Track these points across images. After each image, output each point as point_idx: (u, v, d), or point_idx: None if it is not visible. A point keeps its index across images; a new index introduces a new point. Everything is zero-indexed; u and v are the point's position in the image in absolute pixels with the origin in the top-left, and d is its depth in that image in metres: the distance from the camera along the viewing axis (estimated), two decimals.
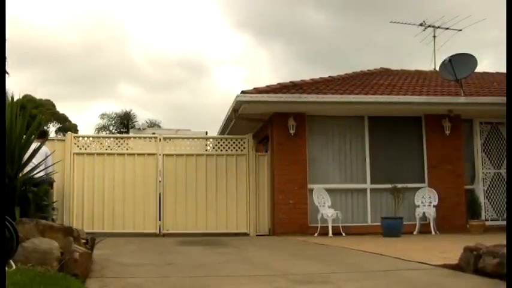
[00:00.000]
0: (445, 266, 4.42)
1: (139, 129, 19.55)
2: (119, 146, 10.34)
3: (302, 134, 10.30)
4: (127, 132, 27.51)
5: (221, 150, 10.47)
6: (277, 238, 9.42)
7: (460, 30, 14.50)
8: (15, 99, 4.83)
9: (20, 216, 4.20)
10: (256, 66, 57.24)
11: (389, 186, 9.85)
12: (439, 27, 14.55)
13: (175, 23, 60.65)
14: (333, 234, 9.45)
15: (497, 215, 10.77)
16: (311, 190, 10.07)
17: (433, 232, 9.64)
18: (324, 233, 9.54)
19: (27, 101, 21.37)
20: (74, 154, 9.95)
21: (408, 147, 10.80)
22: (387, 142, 10.68)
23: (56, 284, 2.94)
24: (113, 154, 10.14)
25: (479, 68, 11.51)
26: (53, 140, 10.16)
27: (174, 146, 10.47)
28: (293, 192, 10.04)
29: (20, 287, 2.70)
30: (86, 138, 10.49)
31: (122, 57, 52.94)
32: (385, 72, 13.29)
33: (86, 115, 52.97)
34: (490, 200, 10.84)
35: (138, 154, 10.22)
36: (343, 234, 9.57)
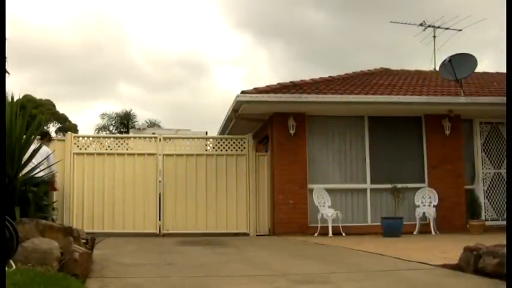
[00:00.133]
0: (445, 266, 4.42)
1: (139, 129, 19.56)
2: (119, 146, 10.34)
3: (302, 134, 10.31)
4: (127, 132, 27.52)
5: (221, 150, 10.47)
6: (277, 238, 9.42)
7: (460, 30, 14.52)
8: (15, 99, 4.83)
9: (20, 216, 4.20)
10: (256, 66, 57.33)
11: (389, 186, 9.85)
12: (439, 27, 14.57)
13: (175, 23, 60.75)
14: (333, 234, 9.45)
15: (497, 215, 10.77)
16: (311, 190, 10.07)
17: (433, 232, 9.65)
18: (324, 233, 9.54)
19: (27, 101, 21.37)
20: (74, 154, 9.96)
21: (408, 147, 10.80)
22: (387, 142, 10.68)
23: (56, 284, 2.94)
24: (112, 154, 10.15)
25: (479, 68, 11.52)
26: (53, 140, 10.15)
27: (174, 146, 10.47)
28: (293, 192, 10.04)
29: (20, 287, 2.70)
30: (86, 138, 10.52)
31: (121, 57, 53.06)
32: (385, 72, 13.29)
33: (86, 115, 53.08)
34: (490, 200, 10.84)
35: (138, 154, 10.22)
36: (343, 234, 9.57)
